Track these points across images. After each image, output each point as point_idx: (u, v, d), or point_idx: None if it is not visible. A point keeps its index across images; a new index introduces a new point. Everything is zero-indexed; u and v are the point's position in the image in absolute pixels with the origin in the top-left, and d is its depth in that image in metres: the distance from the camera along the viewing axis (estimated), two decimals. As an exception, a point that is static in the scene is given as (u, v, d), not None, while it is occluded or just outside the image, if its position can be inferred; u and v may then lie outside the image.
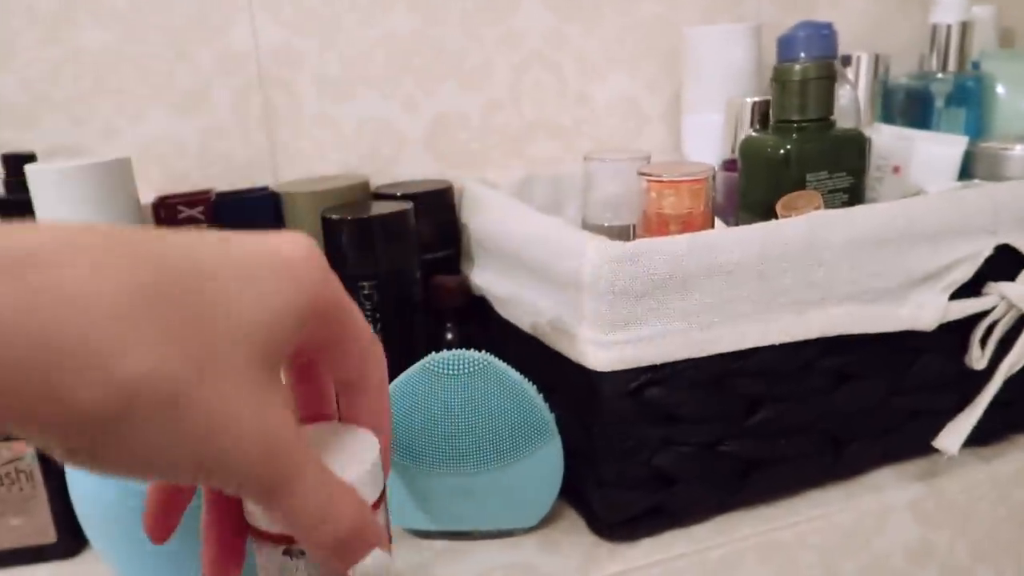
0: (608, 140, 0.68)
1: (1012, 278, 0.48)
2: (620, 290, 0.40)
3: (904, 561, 0.50)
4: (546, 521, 0.47)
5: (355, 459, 0.27)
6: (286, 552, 0.25)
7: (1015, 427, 0.54)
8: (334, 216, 0.52)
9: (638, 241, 0.40)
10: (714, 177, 0.45)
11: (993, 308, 0.48)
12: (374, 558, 0.24)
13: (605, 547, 0.45)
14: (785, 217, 0.45)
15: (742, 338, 0.42)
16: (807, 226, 0.43)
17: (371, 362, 0.28)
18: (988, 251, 0.47)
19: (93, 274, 0.18)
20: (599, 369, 0.42)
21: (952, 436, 0.47)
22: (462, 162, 0.65)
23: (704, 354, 0.42)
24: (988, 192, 0.47)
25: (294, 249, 0.24)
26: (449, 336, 0.58)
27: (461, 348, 0.59)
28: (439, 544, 0.46)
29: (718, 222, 0.55)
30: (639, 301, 0.41)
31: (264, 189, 0.58)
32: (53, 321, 0.17)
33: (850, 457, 0.49)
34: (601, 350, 0.41)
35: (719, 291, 0.41)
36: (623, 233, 0.51)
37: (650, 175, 0.45)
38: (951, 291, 0.46)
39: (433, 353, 0.45)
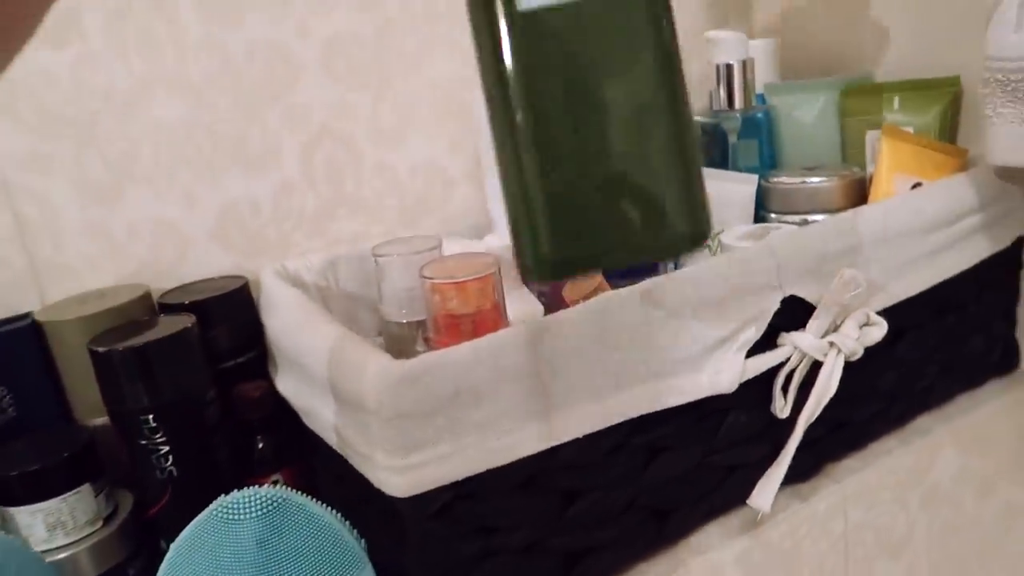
0: (414, 208, 0.66)
1: (803, 326, 0.49)
2: (407, 412, 0.38)
3: (740, 614, 0.50)
4: (374, 648, 0.44)
5: None
6: None
7: (828, 458, 0.56)
8: (101, 349, 0.46)
9: (420, 358, 0.38)
10: (500, 269, 0.44)
11: (788, 358, 0.49)
12: None
13: (434, 672, 0.42)
14: (572, 302, 0.44)
15: (543, 438, 0.41)
16: (589, 314, 0.42)
17: None
18: (776, 306, 0.48)
19: None
20: (398, 495, 0.39)
21: (764, 493, 0.48)
22: (259, 251, 0.61)
23: (505, 462, 0.40)
24: (769, 248, 0.48)
25: None
26: (260, 447, 0.54)
27: (274, 461, 0.55)
28: None
29: (523, 297, 0.54)
30: (429, 420, 0.38)
31: (26, 317, 0.52)
32: None
33: (674, 524, 0.49)
34: (397, 475, 0.39)
35: (510, 396, 0.40)
36: (422, 328, 0.49)
37: (432, 277, 0.43)
38: (746, 349, 0.47)
39: (222, 496, 0.41)
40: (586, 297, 0.45)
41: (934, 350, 0.58)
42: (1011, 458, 0.64)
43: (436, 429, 0.39)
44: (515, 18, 0.25)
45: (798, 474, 0.54)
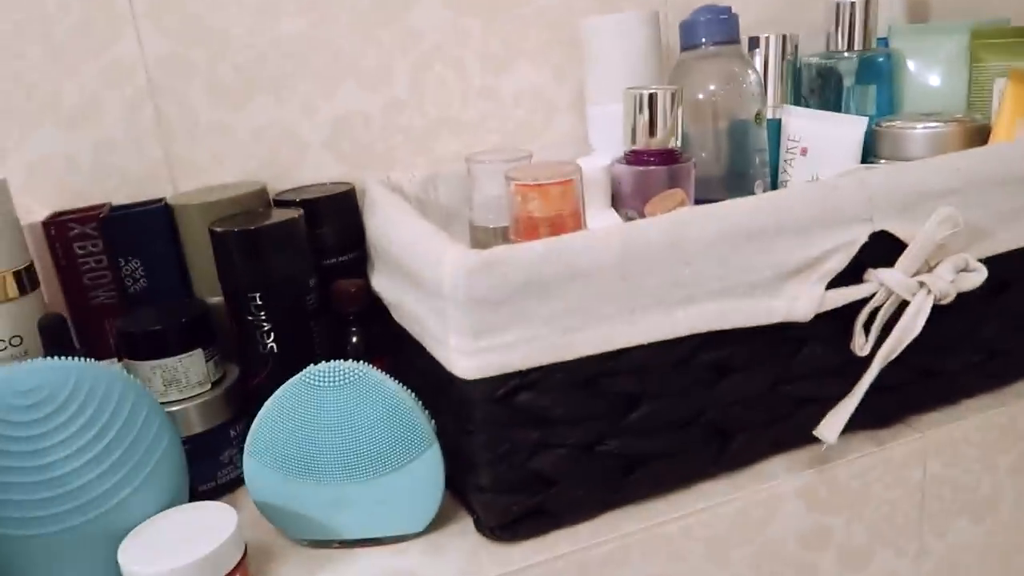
0: (515, 133, 0.68)
1: (891, 264, 0.48)
2: (479, 298, 0.40)
3: (798, 547, 0.50)
4: (437, 524, 0.47)
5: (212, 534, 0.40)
6: None
7: (913, 407, 0.54)
8: (219, 229, 0.51)
9: (494, 249, 0.40)
10: (581, 177, 0.45)
11: (873, 295, 0.48)
12: None
13: (487, 549, 0.45)
14: (651, 215, 0.45)
15: (608, 340, 0.42)
16: (669, 225, 0.43)
17: None
18: (864, 239, 0.47)
19: None
20: (466, 377, 0.42)
21: (832, 424, 0.47)
22: (367, 163, 0.65)
23: (569, 358, 0.42)
24: (861, 179, 0.47)
25: None
26: (353, 340, 0.58)
27: (364, 352, 0.59)
28: (326, 552, 0.46)
29: (609, 217, 0.55)
30: (499, 308, 0.41)
31: (159, 201, 0.58)
32: None
33: (738, 448, 0.49)
34: (466, 358, 0.41)
35: (579, 295, 0.41)
36: (507, 234, 0.51)
37: (516, 178, 0.44)
38: (828, 280, 0.46)
39: (311, 365, 0.45)
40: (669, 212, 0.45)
41: (1043, 309, 0.55)
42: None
43: (505, 318, 0.41)
44: None
45: (878, 419, 0.53)
